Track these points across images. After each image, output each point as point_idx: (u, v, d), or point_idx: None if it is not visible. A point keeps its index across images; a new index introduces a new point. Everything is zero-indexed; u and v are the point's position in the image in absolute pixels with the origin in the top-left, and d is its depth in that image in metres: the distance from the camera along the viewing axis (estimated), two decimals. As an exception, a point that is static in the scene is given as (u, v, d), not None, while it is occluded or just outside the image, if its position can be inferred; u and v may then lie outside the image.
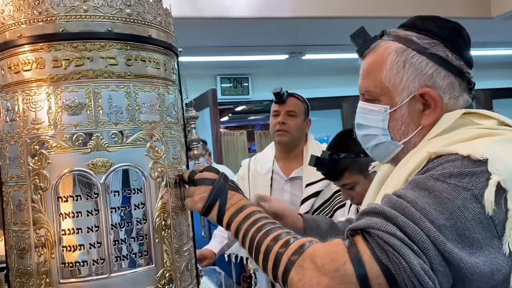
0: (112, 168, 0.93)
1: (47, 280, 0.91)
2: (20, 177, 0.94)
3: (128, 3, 0.96)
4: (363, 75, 1.00)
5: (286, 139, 2.16)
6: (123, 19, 0.95)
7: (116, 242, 0.93)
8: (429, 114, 0.93)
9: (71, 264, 0.91)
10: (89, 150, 0.92)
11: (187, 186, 1.07)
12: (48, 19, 0.91)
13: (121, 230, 0.93)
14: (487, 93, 6.55)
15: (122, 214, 0.94)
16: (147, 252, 0.96)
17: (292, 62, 5.65)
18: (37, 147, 0.92)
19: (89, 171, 0.91)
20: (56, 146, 0.91)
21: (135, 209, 0.95)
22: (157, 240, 0.97)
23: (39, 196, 0.92)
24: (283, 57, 5.42)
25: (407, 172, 0.87)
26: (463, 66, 0.95)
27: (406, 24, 1.00)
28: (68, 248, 0.91)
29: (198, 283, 1.13)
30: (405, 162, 0.92)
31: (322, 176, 1.66)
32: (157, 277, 0.97)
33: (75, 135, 0.91)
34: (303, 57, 5.48)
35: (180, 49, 1.12)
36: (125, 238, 0.94)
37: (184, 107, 1.13)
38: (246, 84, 6.13)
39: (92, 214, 0.91)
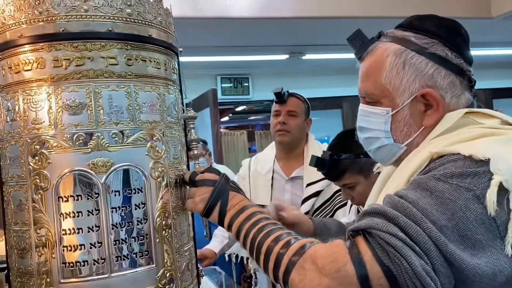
0: (112, 168, 0.92)
1: (48, 280, 0.91)
2: (20, 177, 0.94)
3: (128, 3, 0.96)
4: (363, 78, 0.99)
5: (287, 139, 2.15)
6: (124, 19, 0.95)
7: (117, 242, 0.93)
8: (432, 114, 0.92)
9: (71, 264, 0.91)
10: (89, 150, 0.92)
11: (188, 187, 1.06)
12: (49, 19, 0.91)
13: (121, 230, 0.93)
14: (488, 93, 6.53)
15: (122, 214, 0.93)
16: (148, 252, 0.96)
17: (292, 62, 5.65)
18: (38, 147, 0.92)
19: (90, 171, 0.91)
20: (57, 146, 0.91)
21: (135, 209, 0.95)
22: (157, 240, 0.97)
23: (39, 196, 0.91)
24: (283, 57, 5.42)
25: (409, 172, 0.87)
26: (463, 64, 0.94)
27: (403, 24, 0.99)
28: (69, 248, 0.91)
29: (199, 283, 1.13)
30: (407, 162, 0.91)
31: (323, 176, 1.66)
32: (158, 277, 0.97)
33: (76, 135, 0.91)
34: (303, 57, 5.48)
35: (180, 49, 1.12)
36: (125, 238, 0.94)
37: (184, 107, 1.13)
38: (247, 84, 6.13)
39: (93, 214, 0.91)
